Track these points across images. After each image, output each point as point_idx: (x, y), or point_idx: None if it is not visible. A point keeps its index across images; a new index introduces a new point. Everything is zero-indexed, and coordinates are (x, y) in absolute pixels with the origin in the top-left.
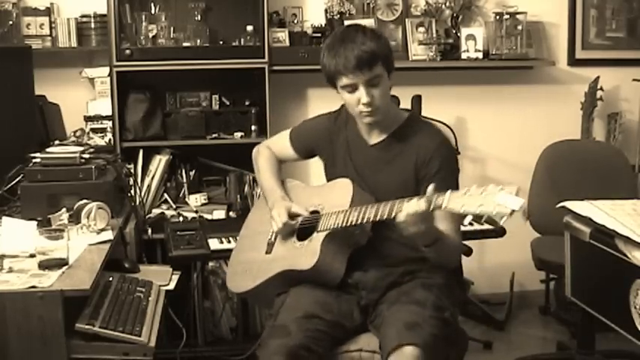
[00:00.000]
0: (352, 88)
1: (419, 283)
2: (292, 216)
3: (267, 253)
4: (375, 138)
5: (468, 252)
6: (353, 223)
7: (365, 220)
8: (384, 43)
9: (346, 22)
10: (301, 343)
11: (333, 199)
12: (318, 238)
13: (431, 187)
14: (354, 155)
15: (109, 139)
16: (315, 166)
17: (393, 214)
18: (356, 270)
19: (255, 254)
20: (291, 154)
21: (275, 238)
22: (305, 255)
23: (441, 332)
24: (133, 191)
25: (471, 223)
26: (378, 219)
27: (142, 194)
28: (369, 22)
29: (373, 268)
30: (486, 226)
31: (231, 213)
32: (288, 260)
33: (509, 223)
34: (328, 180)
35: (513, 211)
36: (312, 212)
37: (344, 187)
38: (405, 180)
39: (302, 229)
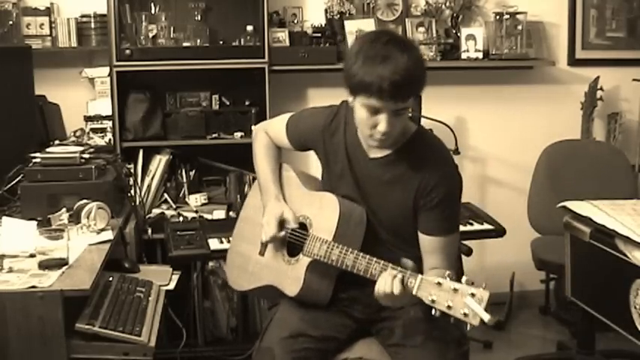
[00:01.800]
0: (374, 111)
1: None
2: (282, 223)
3: (260, 254)
4: (376, 152)
5: (468, 252)
6: (332, 262)
7: (342, 266)
8: (422, 66)
9: (346, 22)
10: None
11: (320, 217)
12: (303, 262)
13: (406, 262)
14: (354, 165)
15: (109, 139)
16: (314, 159)
17: (368, 275)
18: (351, 286)
19: (251, 250)
20: (286, 143)
21: (267, 243)
22: (290, 278)
23: None
24: (133, 191)
25: (470, 223)
26: (354, 271)
27: (142, 194)
28: (368, 23)
29: (368, 285)
30: (486, 226)
31: (231, 213)
32: (277, 275)
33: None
34: (325, 180)
35: (481, 322)
36: (301, 224)
37: (331, 208)
38: (404, 206)
39: (291, 242)
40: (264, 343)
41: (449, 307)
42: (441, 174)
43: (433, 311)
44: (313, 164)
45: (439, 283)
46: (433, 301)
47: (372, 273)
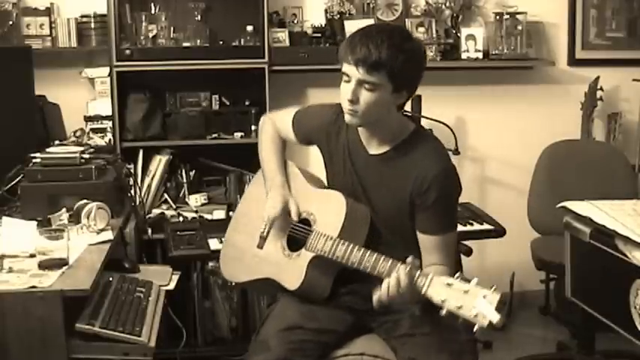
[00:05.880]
0: (347, 79)
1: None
2: (285, 209)
3: (258, 246)
4: (374, 148)
5: (468, 252)
6: (338, 259)
7: (349, 263)
8: (402, 60)
9: (346, 22)
10: (282, 357)
11: (325, 214)
12: (305, 257)
13: (410, 259)
14: (355, 162)
15: (109, 139)
16: (314, 154)
17: (375, 273)
18: (351, 281)
19: (248, 242)
20: (291, 137)
21: (267, 233)
22: (291, 271)
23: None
24: (133, 191)
25: (470, 223)
26: (361, 268)
27: (142, 194)
28: (368, 23)
29: (368, 279)
30: (486, 226)
31: (231, 213)
32: (276, 269)
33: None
34: (328, 178)
35: (490, 324)
36: (304, 219)
37: (338, 206)
38: (400, 202)
39: (292, 236)
40: (260, 337)
41: (459, 307)
42: (436, 174)
43: (442, 311)
44: (314, 161)
45: (449, 284)
46: (443, 301)
47: (380, 271)
